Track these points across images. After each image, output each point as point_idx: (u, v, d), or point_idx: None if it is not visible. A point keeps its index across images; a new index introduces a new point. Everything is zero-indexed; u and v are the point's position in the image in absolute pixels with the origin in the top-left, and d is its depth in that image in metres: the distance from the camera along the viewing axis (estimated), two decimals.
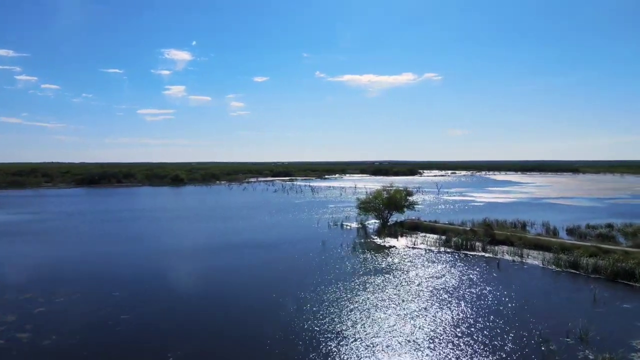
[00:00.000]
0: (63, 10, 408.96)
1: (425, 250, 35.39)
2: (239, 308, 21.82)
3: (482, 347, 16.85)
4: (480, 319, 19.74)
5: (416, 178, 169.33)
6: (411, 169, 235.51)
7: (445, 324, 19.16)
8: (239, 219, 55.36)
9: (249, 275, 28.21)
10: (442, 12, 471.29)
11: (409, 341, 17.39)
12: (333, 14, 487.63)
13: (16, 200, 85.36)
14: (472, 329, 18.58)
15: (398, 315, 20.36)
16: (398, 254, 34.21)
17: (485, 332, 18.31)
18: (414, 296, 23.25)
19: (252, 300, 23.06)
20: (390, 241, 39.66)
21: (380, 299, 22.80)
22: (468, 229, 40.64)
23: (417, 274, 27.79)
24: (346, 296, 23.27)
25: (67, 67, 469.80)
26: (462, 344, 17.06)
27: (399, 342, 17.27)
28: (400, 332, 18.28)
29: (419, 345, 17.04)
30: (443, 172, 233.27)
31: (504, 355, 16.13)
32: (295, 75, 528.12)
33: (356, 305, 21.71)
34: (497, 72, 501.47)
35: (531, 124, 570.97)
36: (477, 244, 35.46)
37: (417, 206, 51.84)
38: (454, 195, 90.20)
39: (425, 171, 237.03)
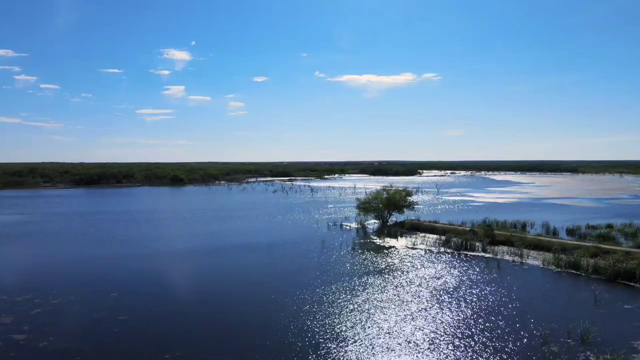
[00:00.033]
0: (62, 10, 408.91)
1: (425, 251, 35.25)
2: (237, 309, 21.66)
3: (482, 348, 16.71)
4: (480, 320, 19.60)
5: (415, 178, 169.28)
6: (410, 169, 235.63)
7: (446, 325, 19.02)
8: (237, 220, 55.20)
9: (247, 276, 28.05)
10: (441, 12, 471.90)
11: (409, 342, 17.24)
12: (332, 14, 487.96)
13: (14, 200, 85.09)
14: (473, 330, 18.44)
15: (398, 316, 20.22)
16: (398, 254, 34.07)
17: (485, 333, 18.18)
18: (414, 297, 23.11)
19: (250, 301, 22.90)
20: (390, 241, 39.53)
21: (380, 299, 22.66)
22: (468, 229, 40.50)
23: (417, 275, 27.65)
24: (346, 297, 23.12)
25: (66, 67, 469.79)
26: (462, 346, 16.93)
27: (399, 344, 17.13)
28: (401, 333, 18.14)
29: (419, 346, 16.90)
30: (442, 172, 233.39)
31: (505, 357, 15.99)
32: (295, 75, 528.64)
33: (356, 306, 21.57)
34: (496, 72, 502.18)
35: (530, 123, 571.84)
36: (477, 244, 35.33)
37: (416, 206, 51.77)
38: (454, 196, 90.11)
39: (424, 171, 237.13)
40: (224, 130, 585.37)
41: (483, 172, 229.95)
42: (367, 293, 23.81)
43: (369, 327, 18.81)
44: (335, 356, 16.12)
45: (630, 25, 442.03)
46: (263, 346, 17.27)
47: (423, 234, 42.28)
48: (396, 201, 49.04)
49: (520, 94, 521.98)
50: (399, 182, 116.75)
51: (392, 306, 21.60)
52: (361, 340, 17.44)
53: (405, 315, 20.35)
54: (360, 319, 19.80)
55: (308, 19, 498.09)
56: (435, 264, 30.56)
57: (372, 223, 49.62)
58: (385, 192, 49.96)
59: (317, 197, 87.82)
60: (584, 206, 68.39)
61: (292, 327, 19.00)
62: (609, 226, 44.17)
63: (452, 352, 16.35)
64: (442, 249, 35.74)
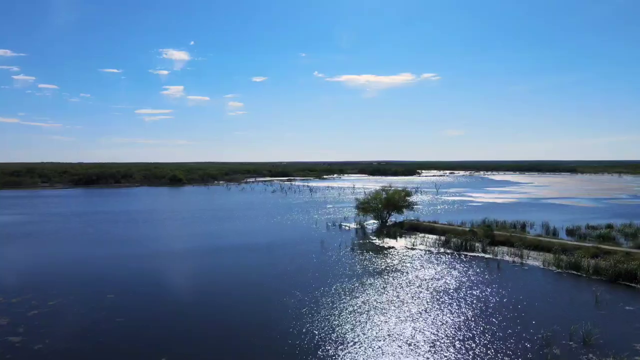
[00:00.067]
0: (61, 10, 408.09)
1: (425, 251, 35.07)
2: (235, 311, 21.46)
3: (484, 350, 16.53)
4: (481, 322, 19.43)
5: (414, 178, 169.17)
6: (409, 169, 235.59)
7: (446, 327, 18.84)
8: (236, 220, 54.99)
9: (246, 278, 27.85)
10: (440, 12, 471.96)
11: (409, 344, 17.06)
12: (331, 14, 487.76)
13: (12, 200, 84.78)
14: (473, 332, 18.26)
15: (398, 317, 20.04)
16: (397, 255, 33.89)
17: (486, 335, 18.00)
18: (414, 298, 22.93)
19: (249, 302, 22.69)
20: (389, 242, 39.35)
21: (380, 301, 22.48)
22: (467, 229, 40.34)
23: (416, 276, 27.48)
24: (345, 298, 22.94)
25: (65, 67, 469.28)
26: (463, 348, 16.74)
27: (399, 346, 16.94)
28: (401, 335, 17.95)
29: (419, 348, 16.71)
30: (441, 172, 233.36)
31: (506, 359, 15.82)
32: (294, 75, 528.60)
33: (355, 308, 21.38)
34: (496, 72, 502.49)
35: (530, 123, 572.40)
36: (477, 244, 35.16)
37: (415, 206, 51.59)
38: (453, 196, 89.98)
39: (423, 171, 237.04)
40: (223, 130, 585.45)
41: (482, 172, 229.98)
42: (367, 294, 23.63)
43: (368, 329, 18.62)
44: (335, 358, 15.93)
45: (630, 25, 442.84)
46: (263, 346, 17.13)
47: (422, 235, 42.10)
48: (395, 201, 48.87)
49: (520, 94, 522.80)
50: (398, 182, 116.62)
51: (392, 307, 21.42)
52: (361, 343, 17.25)
53: (405, 316, 20.17)
54: (360, 321, 19.61)
55: (308, 19, 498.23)
56: (435, 265, 30.39)
57: (371, 223, 49.44)
58: (384, 192, 49.78)
59: (316, 197, 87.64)
60: (583, 206, 68.29)
61: (292, 327, 18.82)
62: (609, 226, 44.04)
63: (453, 355, 16.17)
64: (441, 250, 35.56)
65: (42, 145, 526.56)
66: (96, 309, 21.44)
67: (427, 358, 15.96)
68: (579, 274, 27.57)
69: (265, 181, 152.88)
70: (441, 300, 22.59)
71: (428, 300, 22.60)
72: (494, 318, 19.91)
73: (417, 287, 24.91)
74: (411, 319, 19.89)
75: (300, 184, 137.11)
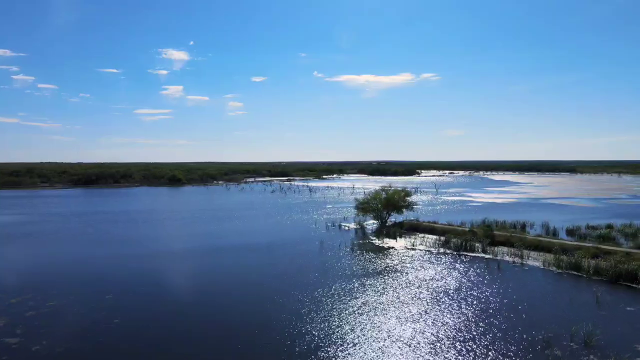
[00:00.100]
0: (60, 10, 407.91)
1: (425, 252, 34.97)
2: (234, 312, 21.35)
3: (484, 352, 16.42)
4: (481, 323, 19.32)
5: (414, 178, 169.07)
6: (409, 169, 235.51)
7: (447, 328, 18.74)
8: (236, 220, 54.88)
9: (245, 278, 27.74)
10: (440, 12, 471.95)
11: (409, 346, 16.95)
12: (331, 14, 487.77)
13: (11, 200, 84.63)
14: (474, 333, 18.16)
15: (398, 318, 19.93)
16: (397, 255, 33.79)
17: (487, 336, 17.89)
18: (414, 299, 22.82)
19: (248, 303, 22.58)
20: (389, 242, 39.25)
21: (380, 301, 22.38)
22: (467, 229, 40.25)
23: (416, 276, 27.37)
24: (345, 299, 22.83)
25: (64, 67, 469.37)
26: (463, 349, 16.64)
27: (399, 347, 16.83)
28: (401, 337, 17.85)
29: (419, 350, 16.61)
30: (441, 172, 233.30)
31: None
32: (293, 75, 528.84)
33: (355, 309, 21.28)
34: (495, 72, 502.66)
35: (530, 123, 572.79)
36: (477, 245, 35.05)
37: (415, 207, 51.48)
38: (452, 196, 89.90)
39: (423, 171, 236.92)
40: (222, 130, 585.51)
41: (481, 172, 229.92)
42: (367, 295, 23.52)
43: (369, 330, 18.52)
44: (336, 359, 15.85)
45: (630, 25, 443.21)
46: (263, 346, 17.07)
47: (422, 235, 42.00)
48: (395, 201, 48.76)
49: (520, 94, 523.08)
50: (398, 182, 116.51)
51: (392, 308, 21.31)
52: (361, 344, 17.14)
53: (405, 317, 20.06)
54: (359, 322, 19.51)
55: (307, 19, 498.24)
56: (435, 265, 30.29)
57: (371, 223, 49.33)
58: (384, 193, 49.68)
59: (316, 197, 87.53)
60: (582, 206, 68.22)
61: (292, 328, 18.71)
62: (609, 226, 43.95)
63: (453, 356, 16.06)
64: (441, 250, 35.46)
65: (42, 146, 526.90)
66: (96, 309, 21.33)
67: (428, 359, 15.87)
68: (579, 274, 27.48)
69: (264, 181, 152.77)
70: (441, 301, 22.49)
71: (428, 301, 22.50)
72: (495, 319, 19.81)
73: (417, 288, 24.81)
74: (411, 319, 19.79)
75: (300, 184, 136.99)
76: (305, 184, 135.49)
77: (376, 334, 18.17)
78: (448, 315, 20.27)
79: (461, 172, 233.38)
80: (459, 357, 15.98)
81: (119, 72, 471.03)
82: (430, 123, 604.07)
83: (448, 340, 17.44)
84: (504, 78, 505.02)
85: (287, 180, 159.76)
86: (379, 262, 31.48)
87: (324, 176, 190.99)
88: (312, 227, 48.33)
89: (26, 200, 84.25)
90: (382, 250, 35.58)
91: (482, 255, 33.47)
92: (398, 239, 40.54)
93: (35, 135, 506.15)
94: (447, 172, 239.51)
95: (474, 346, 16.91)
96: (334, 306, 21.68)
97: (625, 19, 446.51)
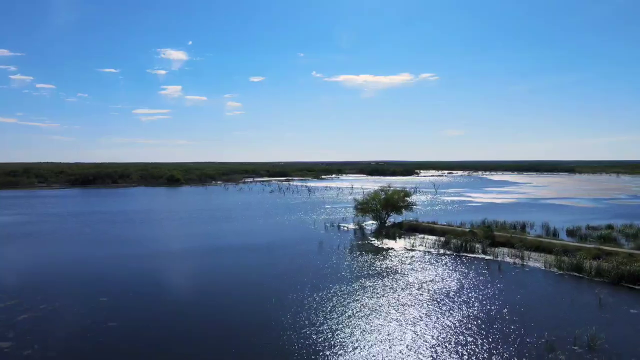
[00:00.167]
0: (58, 10, 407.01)
1: (424, 253, 34.63)
2: (231, 314, 21.00)
3: (486, 356, 16.07)
4: (483, 326, 18.98)
5: (413, 178, 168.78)
6: (408, 169, 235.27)
7: (447, 331, 18.40)
8: (234, 220, 54.51)
9: (242, 279, 27.38)
10: (439, 12, 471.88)
11: (409, 349, 16.60)
12: (329, 14, 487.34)
13: (9, 201, 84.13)
14: (476, 337, 17.81)
15: (398, 321, 19.59)
16: (396, 256, 33.45)
17: (489, 339, 17.55)
18: (414, 301, 22.48)
19: (245, 305, 22.23)
20: (388, 243, 38.90)
21: (379, 304, 22.03)
22: (467, 230, 39.93)
23: (416, 278, 27.03)
24: (344, 301, 22.48)
25: (63, 67, 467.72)
26: (465, 353, 16.29)
27: (400, 351, 16.48)
28: (401, 340, 17.50)
29: (420, 353, 16.25)
30: (440, 172, 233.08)
31: None
32: (292, 75, 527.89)
33: (354, 311, 20.93)
34: (494, 72, 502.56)
35: (530, 123, 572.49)
36: (477, 245, 34.72)
37: (414, 207, 51.17)
38: (452, 196, 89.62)
39: (422, 171, 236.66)
40: (222, 130, 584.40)
41: (480, 172, 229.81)
42: (366, 296, 23.18)
43: (368, 333, 18.17)
44: None
45: (630, 25, 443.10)
46: (263, 346, 16.85)
47: (422, 235, 41.65)
48: (394, 202, 48.44)
49: (520, 94, 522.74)
50: (397, 182, 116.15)
51: (392, 310, 20.97)
52: (360, 348, 16.79)
53: (405, 320, 19.72)
54: (359, 325, 19.16)
55: (306, 19, 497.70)
56: (435, 266, 29.95)
57: (370, 224, 49.01)
58: (383, 193, 49.35)
59: (315, 198, 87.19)
60: (582, 206, 67.97)
61: (291, 328, 18.38)
62: (609, 227, 43.65)
63: None
64: (441, 251, 35.12)
65: (41, 145, 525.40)
66: (88, 313, 20.94)
67: None
68: (580, 275, 27.16)
69: (263, 181, 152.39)
70: (442, 303, 22.15)
71: (428, 303, 22.15)
72: (496, 322, 19.47)
73: (417, 290, 24.46)
74: (411, 322, 19.44)
75: (299, 184, 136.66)
76: (304, 184, 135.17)
77: (376, 336, 17.82)
78: (449, 318, 19.93)
79: (460, 172, 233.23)
80: None
81: (117, 72, 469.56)
82: (430, 123, 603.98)
83: (449, 344, 17.10)
84: (504, 78, 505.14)
85: (286, 180, 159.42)
86: (379, 263, 31.13)
87: (323, 176, 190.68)
88: (311, 227, 47.97)
89: (23, 201, 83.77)
90: (381, 251, 35.24)
91: (483, 256, 33.15)
92: (397, 239, 40.19)
93: (34, 135, 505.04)
94: (446, 172, 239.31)
95: (476, 350, 16.56)
96: (334, 307, 21.32)
97: (625, 19, 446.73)
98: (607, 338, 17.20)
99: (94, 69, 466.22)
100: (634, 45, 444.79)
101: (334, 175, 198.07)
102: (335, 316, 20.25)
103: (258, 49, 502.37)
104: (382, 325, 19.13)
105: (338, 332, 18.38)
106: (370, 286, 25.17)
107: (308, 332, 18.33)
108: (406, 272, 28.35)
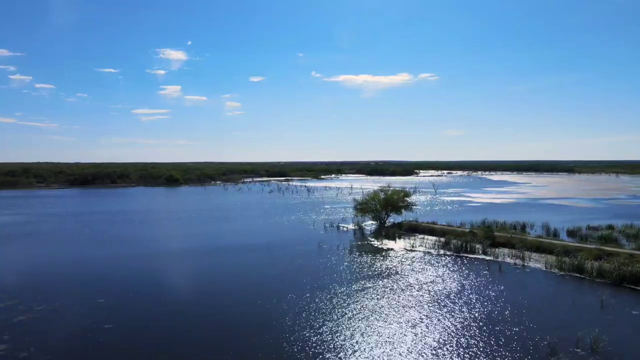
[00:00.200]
0: (58, 10, 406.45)
1: (424, 253, 34.47)
2: (231, 314, 20.83)
3: (487, 358, 15.90)
4: (484, 327, 18.82)
5: (412, 178, 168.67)
6: (407, 169, 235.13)
7: (448, 333, 18.23)
8: (233, 220, 54.33)
9: (242, 280, 27.21)
10: (438, 12, 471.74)
11: (410, 352, 16.44)
12: (329, 14, 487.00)
13: (8, 201, 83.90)
14: (477, 339, 17.65)
15: (399, 323, 19.42)
16: (396, 257, 33.28)
17: (490, 341, 17.39)
18: (414, 302, 22.32)
19: (245, 305, 22.05)
20: (388, 243, 38.73)
21: (379, 305, 21.86)
22: (467, 230, 39.76)
23: (416, 279, 26.87)
24: (343, 302, 22.32)
25: (62, 67, 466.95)
26: (466, 355, 16.12)
27: (400, 353, 16.31)
28: (401, 342, 17.33)
29: (420, 355, 16.08)
30: (439, 172, 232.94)
31: None
32: (291, 75, 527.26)
33: (354, 313, 20.76)
34: (493, 72, 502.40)
35: (530, 123, 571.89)
36: (477, 246, 34.56)
37: (414, 207, 51.00)
38: (451, 196, 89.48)
39: (421, 171, 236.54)
40: (221, 130, 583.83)
41: (480, 172, 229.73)
42: (366, 298, 23.01)
43: (368, 335, 18.00)
44: None
45: (630, 25, 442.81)
46: (263, 346, 16.74)
47: (422, 236, 41.49)
48: (394, 202, 48.27)
49: (520, 94, 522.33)
50: (396, 182, 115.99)
51: (392, 312, 20.81)
52: (360, 350, 16.62)
53: (406, 321, 19.55)
54: (359, 327, 18.99)
55: (305, 19, 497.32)
56: (435, 267, 29.79)
57: (370, 224, 48.84)
58: (382, 193, 49.18)
59: (314, 198, 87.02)
60: (582, 207, 67.84)
61: (291, 328, 18.21)
62: (610, 227, 43.51)
63: None
64: (441, 251, 34.96)
65: (40, 145, 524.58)
66: (86, 314, 20.76)
67: None
68: (582, 276, 27.01)
69: (262, 181, 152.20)
70: (442, 304, 21.99)
71: (429, 304, 21.99)
72: (497, 323, 19.31)
73: (417, 291, 24.30)
74: (412, 324, 19.28)
75: (298, 184, 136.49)
76: (303, 184, 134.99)
77: (376, 338, 17.66)
78: (449, 320, 19.77)
79: (459, 172, 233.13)
80: None
81: (116, 72, 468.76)
82: (430, 123, 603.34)
83: (450, 346, 16.93)
84: (504, 78, 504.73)
85: (285, 180, 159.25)
86: (378, 263, 30.97)
87: (322, 176, 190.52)
88: (310, 227, 47.80)
89: (22, 200, 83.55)
90: (381, 252, 35.07)
91: (483, 256, 32.99)
92: (397, 240, 40.03)
93: (33, 135, 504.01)
94: (446, 172, 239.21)
95: (477, 352, 16.39)
96: (334, 308, 21.15)
97: (625, 19, 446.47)
98: (609, 340, 17.04)
99: (94, 69, 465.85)
100: (634, 45, 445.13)
101: (333, 176, 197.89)
102: (335, 317, 20.08)
103: (258, 49, 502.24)
104: (382, 327, 18.96)
105: (338, 333, 18.21)
106: (370, 287, 25.01)
107: (308, 334, 18.16)
108: (406, 273, 28.19)
